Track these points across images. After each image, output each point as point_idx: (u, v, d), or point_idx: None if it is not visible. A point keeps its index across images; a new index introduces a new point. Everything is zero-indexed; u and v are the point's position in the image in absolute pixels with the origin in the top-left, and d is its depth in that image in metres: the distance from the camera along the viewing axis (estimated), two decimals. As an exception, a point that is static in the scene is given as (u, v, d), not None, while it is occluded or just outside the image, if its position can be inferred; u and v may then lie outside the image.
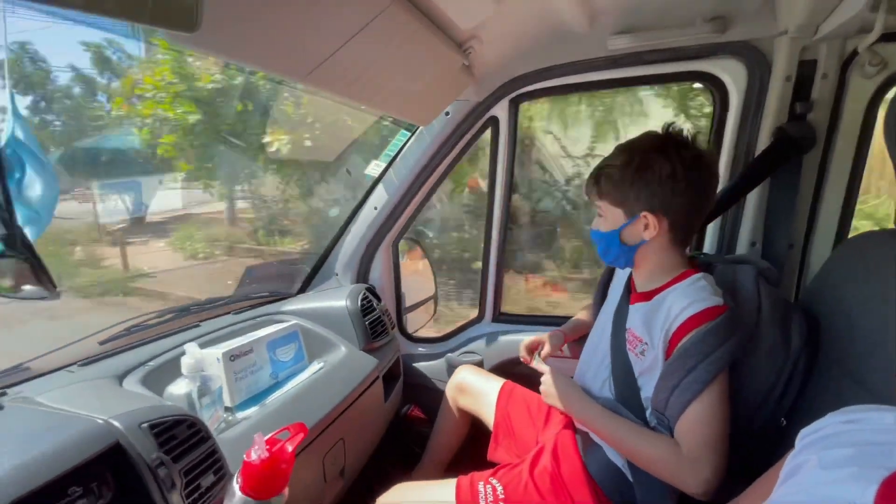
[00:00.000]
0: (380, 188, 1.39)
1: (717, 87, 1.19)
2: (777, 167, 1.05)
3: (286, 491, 0.62)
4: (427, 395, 1.51)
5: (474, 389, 1.23)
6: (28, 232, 0.40)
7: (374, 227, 1.42)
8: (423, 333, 1.67)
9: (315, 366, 1.10)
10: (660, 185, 0.77)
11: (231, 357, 0.95)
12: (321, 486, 0.96)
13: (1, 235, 0.38)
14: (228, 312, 1.24)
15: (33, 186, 0.41)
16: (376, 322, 1.26)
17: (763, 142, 1.08)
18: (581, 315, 1.21)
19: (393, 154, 1.36)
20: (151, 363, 0.90)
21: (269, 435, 0.60)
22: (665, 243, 0.82)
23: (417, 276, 1.80)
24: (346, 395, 1.02)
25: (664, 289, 0.82)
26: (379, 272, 1.50)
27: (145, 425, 0.61)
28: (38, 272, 0.40)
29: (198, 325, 1.13)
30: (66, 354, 0.90)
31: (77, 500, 0.52)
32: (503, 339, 1.48)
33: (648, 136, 0.82)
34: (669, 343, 0.76)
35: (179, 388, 0.88)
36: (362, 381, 1.09)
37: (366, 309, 1.25)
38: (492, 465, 1.12)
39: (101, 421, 0.58)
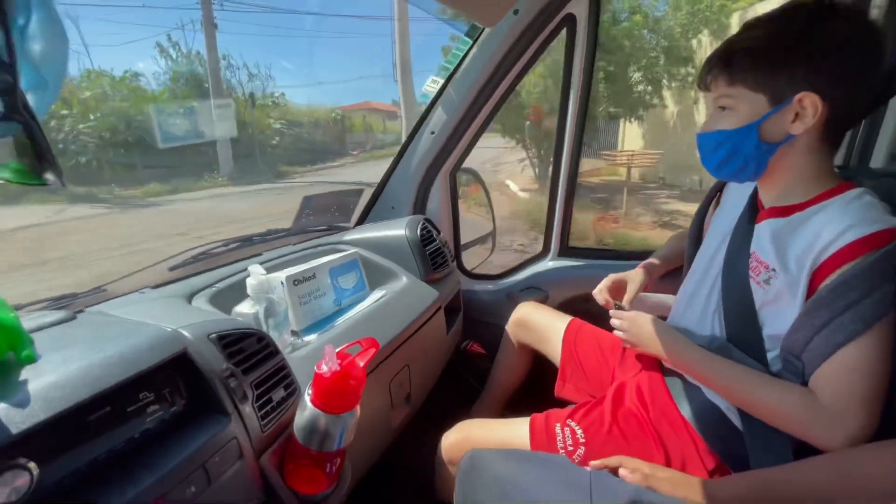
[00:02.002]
0: (437, 109, 1.27)
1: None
2: None
3: (358, 409, 0.59)
4: (487, 331, 1.46)
5: (538, 325, 1.15)
6: (31, 100, 0.33)
7: (432, 154, 1.32)
8: (481, 270, 1.60)
9: (377, 294, 1.06)
10: (827, 58, 0.58)
11: (294, 281, 0.93)
12: (388, 410, 0.95)
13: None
14: (289, 244, 1.22)
15: (41, 40, 0.33)
16: (436, 253, 1.19)
17: None
18: (674, 242, 1.05)
19: (452, 67, 1.22)
20: (219, 284, 0.89)
21: (340, 349, 0.55)
22: (814, 142, 0.64)
23: (476, 210, 1.70)
24: (409, 323, 0.97)
25: (811, 204, 0.64)
26: (436, 204, 1.41)
27: (214, 336, 0.58)
28: (41, 151, 0.33)
29: (259, 255, 1.11)
30: (139, 280, 0.92)
31: (149, 405, 0.50)
32: (570, 274, 1.37)
33: (798, 3, 0.62)
34: (817, 271, 0.60)
35: (246, 308, 0.87)
36: (425, 310, 1.04)
37: (425, 239, 1.18)
38: (558, 402, 1.06)
39: (169, 329, 0.56)
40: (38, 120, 0.32)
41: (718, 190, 0.93)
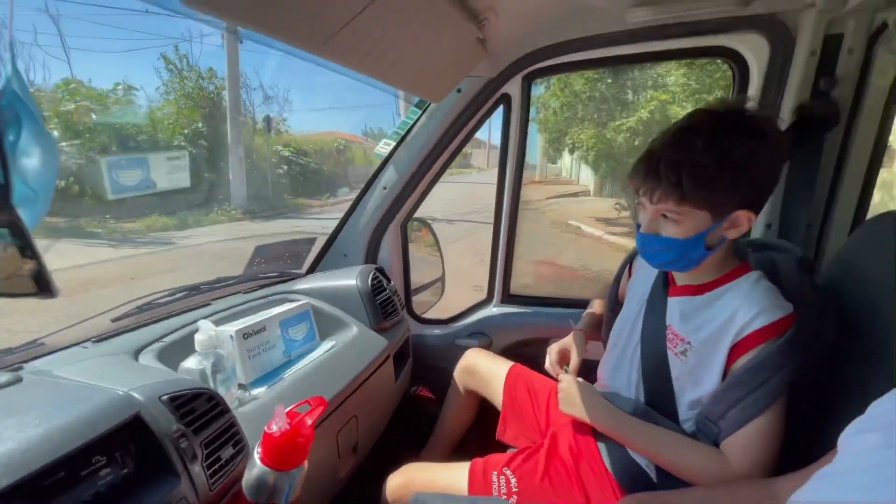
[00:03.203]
0: (390, 167, 1.38)
1: (737, 63, 1.15)
2: (799, 146, 1.02)
3: (305, 464, 0.63)
4: (435, 376, 1.51)
5: (483, 372, 1.23)
6: (23, 214, 0.37)
7: (384, 208, 1.41)
8: (431, 315, 1.67)
9: (327, 344, 1.10)
10: (762, 178, 0.69)
11: (244, 335, 0.95)
12: (335, 461, 0.97)
13: None
14: (238, 292, 1.23)
15: (30, 155, 0.37)
16: (387, 302, 1.25)
17: (784, 120, 1.05)
18: (597, 306, 1.16)
19: (403, 132, 1.34)
20: (166, 339, 0.90)
21: (289, 408, 0.60)
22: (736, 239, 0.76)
23: (425, 258, 1.79)
24: (358, 373, 1.02)
25: (719, 284, 0.76)
26: (388, 253, 1.49)
27: (165, 397, 0.61)
28: (36, 264, 0.38)
29: (208, 304, 1.12)
30: (80, 331, 0.91)
31: (101, 469, 0.52)
32: (512, 320, 1.48)
33: (722, 117, 0.70)
34: (732, 351, 0.71)
35: (194, 365, 0.88)
36: (374, 359, 1.09)
37: (376, 289, 1.25)
38: (500, 445, 1.13)
39: (121, 392, 0.58)
40: (28, 235, 0.36)
41: (630, 260, 1.06)
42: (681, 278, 0.83)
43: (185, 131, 10.08)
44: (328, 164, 14.30)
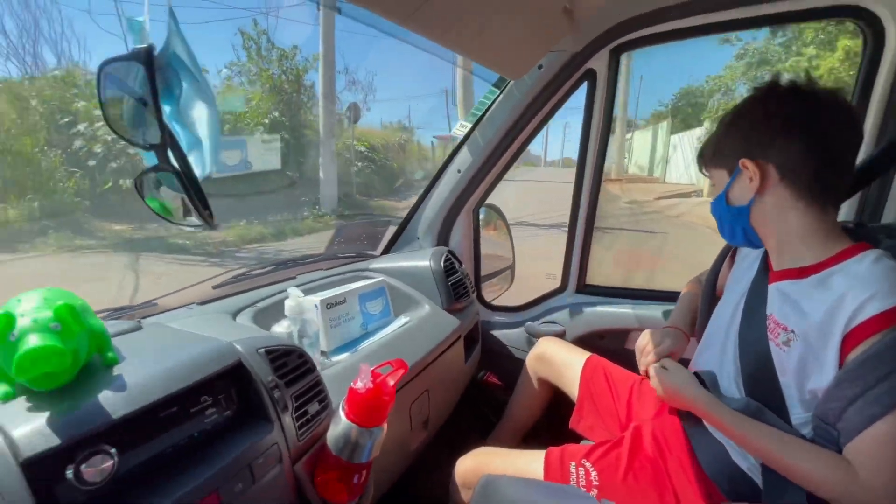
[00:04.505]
0: (464, 150, 1.37)
1: (869, 25, 0.99)
2: None
3: (385, 425, 0.64)
4: (503, 363, 1.49)
5: (557, 361, 1.18)
6: (194, 160, 0.42)
7: (457, 192, 1.41)
8: (500, 302, 1.65)
9: (401, 320, 1.12)
10: (753, 128, 0.70)
11: (327, 305, 1.00)
12: (407, 433, 0.99)
13: (157, 151, 0.41)
14: (320, 268, 1.31)
15: (193, 108, 0.42)
16: (458, 284, 1.26)
17: None
18: (689, 291, 1.05)
19: (479, 113, 1.32)
20: (259, 304, 0.97)
21: (373, 368, 0.62)
22: (786, 200, 0.69)
23: (496, 245, 1.77)
24: (430, 349, 1.03)
25: (826, 266, 0.67)
26: (459, 238, 1.49)
27: (262, 350, 0.65)
28: (198, 203, 0.43)
29: (293, 278, 1.20)
30: (185, 296, 1.01)
31: (207, 408, 0.57)
32: (587, 311, 1.41)
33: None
34: (845, 341, 0.61)
35: (282, 328, 0.95)
36: (445, 338, 1.10)
37: (448, 270, 1.25)
38: (573, 436, 1.08)
39: (225, 342, 0.64)
40: (191, 172, 0.41)
41: (730, 250, 0.96)
42: (779, 261, 0.74)
43: (265, 121, 8.77)
44: (400, 160, 13.24)
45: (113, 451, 0.46)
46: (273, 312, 0.98)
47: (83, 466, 0.44)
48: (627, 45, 1.17)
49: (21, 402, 0.47)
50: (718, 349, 0.82)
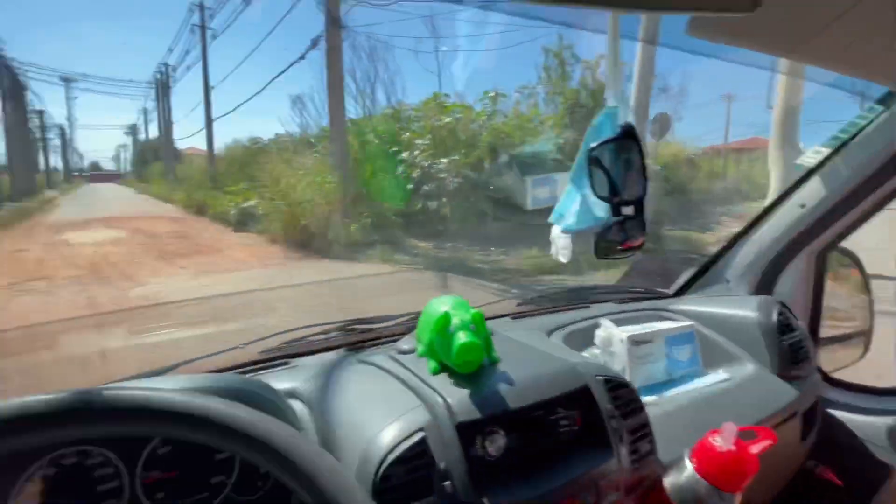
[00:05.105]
0: (814, 180, 1.11)
1: None
2: None
3: (740, 496, 0.58)
4: (846, 457, 1.12)
5: None
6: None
7: (796, 229, 1.15)
8: (842, 376, 1.25)
9: (718, 375, 1.00)
10: None
11: (635, 342, 0.99)
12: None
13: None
14: (611, 300, 1.30)
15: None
16: (797, 345, 1.02)
17: None
18: None
19: (846, 137, 1.05)
20: (570, 327, 1.04)
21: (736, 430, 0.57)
22: None
23: (841, 299, 1.36)
24: (759, 420, 0.87)
25: None
26: (790, 286, 1.21)
27: (601, 378, 0.70)
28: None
29: (587, 307, 1.24)
30: (493, 309, 1.18)
31: (561, 420, 0.65)
32: None
33: None
34: None
35: (590, 356, 0.99)
36: (780, 410, 0.91)
37: (783, 327, 1.03)
38: None
39: (570, 363, 0.71)
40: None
41: None
42: None
43: (561, 141, 8.39)
44: (695, 180, 11.29)
45: (502, 432, 0.59)
46: (580, 336, 1.04)
47: (486, 441, 0.58)
48: None
49: (444, 378, 0.65)
50: None
